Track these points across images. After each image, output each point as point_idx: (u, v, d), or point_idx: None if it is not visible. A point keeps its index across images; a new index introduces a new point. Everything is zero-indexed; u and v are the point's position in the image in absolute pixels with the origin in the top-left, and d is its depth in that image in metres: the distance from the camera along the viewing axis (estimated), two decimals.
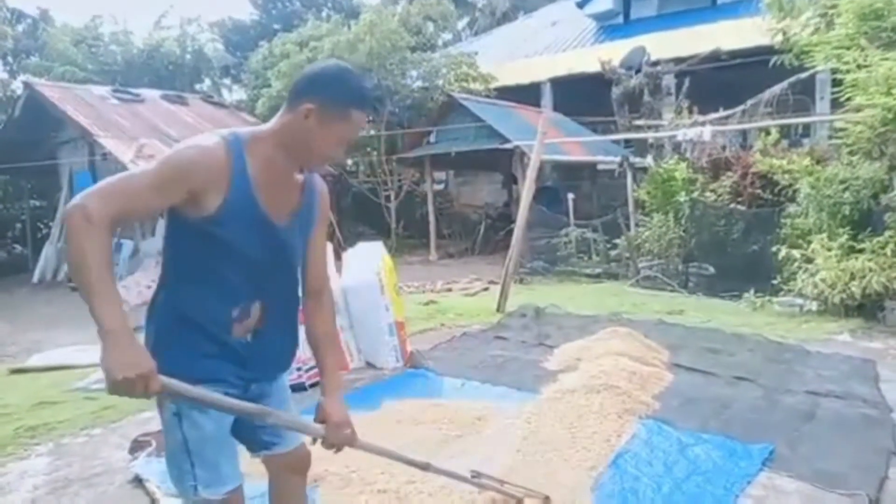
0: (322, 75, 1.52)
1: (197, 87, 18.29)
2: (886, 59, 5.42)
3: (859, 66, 5.63)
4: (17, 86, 14.31)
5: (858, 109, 5.66)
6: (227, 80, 21.26)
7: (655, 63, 11.75)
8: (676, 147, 8.88)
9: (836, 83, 6.42)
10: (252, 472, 1.95)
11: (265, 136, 1.52)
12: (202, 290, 1.50)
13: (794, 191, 6.63)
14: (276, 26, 20.57)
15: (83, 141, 11.04)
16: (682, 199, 7.73)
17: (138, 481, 2.86)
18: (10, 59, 17.57)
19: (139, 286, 8.68)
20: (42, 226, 13.64)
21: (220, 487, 1.58)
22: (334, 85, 1.50)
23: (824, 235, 5.91)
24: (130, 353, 1.26)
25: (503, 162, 11.92)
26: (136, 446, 3.16)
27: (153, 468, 2.93)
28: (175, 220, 1.49)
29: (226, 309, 1.52)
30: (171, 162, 1.40)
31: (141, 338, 1.41)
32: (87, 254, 1.26)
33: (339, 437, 1.64)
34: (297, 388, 3.97)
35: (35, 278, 11.24)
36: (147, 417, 3.74)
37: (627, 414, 3.27)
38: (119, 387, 1.25)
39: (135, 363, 1.25)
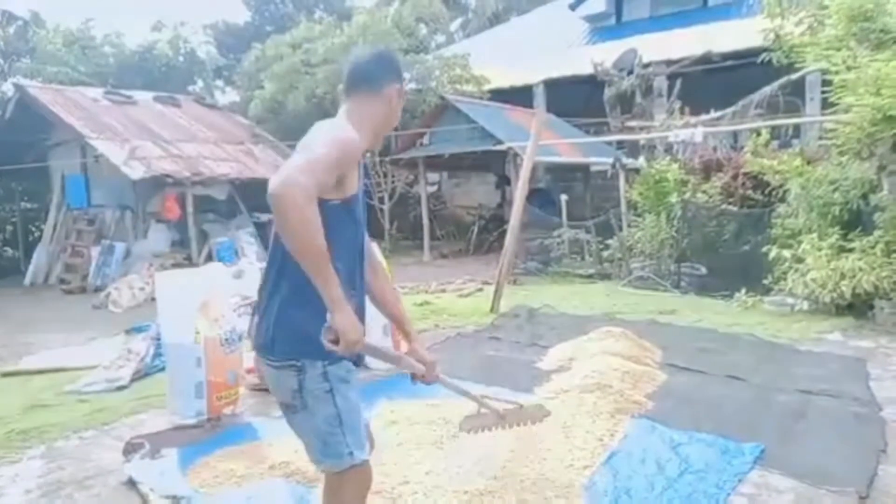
0: (396, 60, 1.78)
1: (189, 88, 18.23)
2: (875, 59, 5.48)
3: (848, 67, 5.68)
4: (8, 88, 14.19)
5: (848, 110, 5.71)
6: (219, 82, 21.20)
7: (647, 65, 11.80)
8: (668, 148, 8.93)
9: (826, 84, 6.48)
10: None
11: (363, 124, 1.65)
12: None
13: (785, 191, 6.68)
14: (268, 28, 20.52)
15: (75, 143, 10.97)
16: (673, 200, 7.77)
17: (132, 483, 2.85)
18: (0, 60, 17.44)
19: (132, 288, 8.64)
20: (34, 228, 13.53)
21: (364, 450, 1.74)
22: (401, 68, 1.78)
23: (815, 235, 5.95)
24: (353, 318, 1.50)
25: (496, 163, 11.95)
26: (130, 448, 3.15)
27: (147, 470, 2.93)
28: None
29: (348, 289, 1.62)
30: (340, 143, 1.53)
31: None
32: (313, 223, 1.40)
33: (433, 375, 1.95)
34: None
35: (27, 281, 11.15)
36: (140, 419, 3.74)
37: (620, 413, 3.29)
38: (352, 345, 1.50)
39: (357, 325, 1.51)
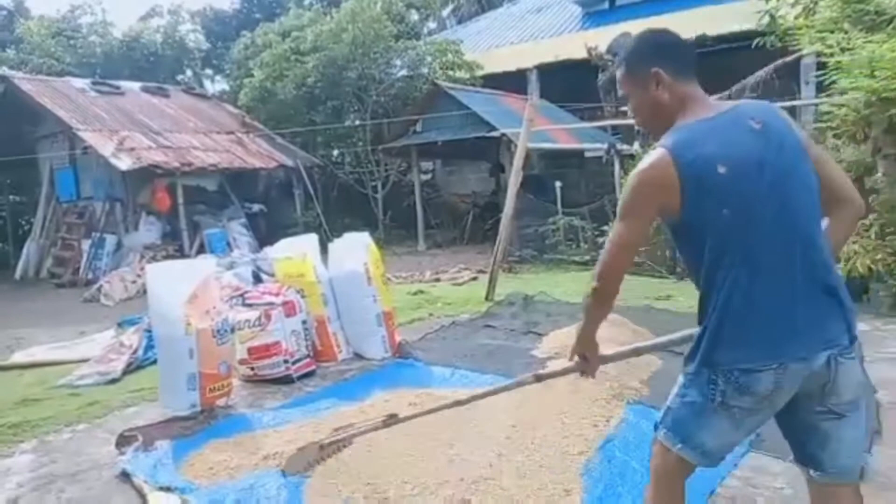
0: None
1: (178, 77, 18.01)
2: (870, 41, 5.44)
3: (843, 50, 5.64)
4: None
5: (843, 93, 5.67)
6: (208, 71, 20.96)
7: None
8: None
9: (821, 67, 6.44)
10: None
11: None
12: None
13: None
14: (257, 15, 20.25)
15: (63, 135, 10.84)
16: None
17: (125, 476, 2.82)
18: None
19: (124, 281, 8.57)
20: (23, 222, 13.40)
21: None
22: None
23: None
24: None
25: (490, 150, 11.87)
26: (123, 441, 3.12)
27: (140, 463, 2.90)
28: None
29: None
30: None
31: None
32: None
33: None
34: (285, 380, 3.95)
35: (17, 275, 11.06)
36: (133, 412, 3.71)
37: (616, 399, 3.28)
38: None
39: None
